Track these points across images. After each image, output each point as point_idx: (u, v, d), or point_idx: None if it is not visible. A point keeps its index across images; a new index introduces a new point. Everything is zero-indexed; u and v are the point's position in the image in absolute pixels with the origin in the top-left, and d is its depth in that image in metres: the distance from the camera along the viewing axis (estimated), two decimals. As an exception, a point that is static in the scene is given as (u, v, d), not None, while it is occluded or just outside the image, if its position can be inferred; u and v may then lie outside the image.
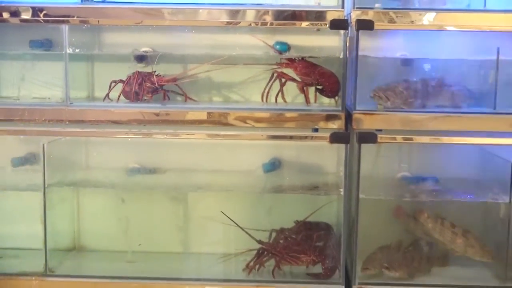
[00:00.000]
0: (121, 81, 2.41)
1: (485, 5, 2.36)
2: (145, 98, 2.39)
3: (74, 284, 2.27)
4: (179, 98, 2.46)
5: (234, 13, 2.20)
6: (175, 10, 2.20)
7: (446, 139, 2.23)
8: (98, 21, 2.22)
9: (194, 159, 2.51)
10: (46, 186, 2.32)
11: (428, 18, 2.18)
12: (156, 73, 2.42)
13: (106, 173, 2.55)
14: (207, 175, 2.53)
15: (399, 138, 2.22)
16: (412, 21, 2.18)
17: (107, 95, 2.40)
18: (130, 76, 2.39)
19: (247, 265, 2.34)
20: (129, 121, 2.23)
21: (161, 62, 2.45)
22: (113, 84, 2.41)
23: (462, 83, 2.40)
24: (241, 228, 2.35)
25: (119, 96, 2.39)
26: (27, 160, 2.48)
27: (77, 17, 2.21)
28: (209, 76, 2.49)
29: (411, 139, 2.23)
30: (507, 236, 2.27)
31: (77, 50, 2.39)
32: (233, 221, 2.36)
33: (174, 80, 2.42)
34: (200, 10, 2.20)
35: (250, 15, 2.20)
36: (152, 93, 2.38)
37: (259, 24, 2.21)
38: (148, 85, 2.39)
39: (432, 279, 2.33)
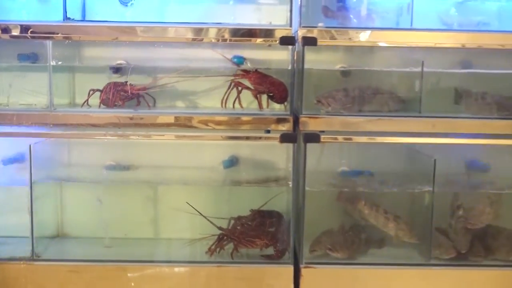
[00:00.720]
0: (98, 90, 2.50)
1: (411, 24, 2.53)
2: (118, 103, 2.48)
3: (58, 267, 2.38)
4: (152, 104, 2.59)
5: (198, 31, 2.35)
6: (147, 28, 2.34)
7: (379, 139, 2.40)
8: (79, 37, 2.34)
9: (163, 157, 2.61)
10: (32, 181, 2.41)
11: (363, 36, 2.36)
12: (129, 83, 2.51)
13: (86, 170, 2.64)
14: (175, 171, 2.63)
15: (340, 138, 2.39)
16: (350, 38, 2.36)
17: (86, 101, 2.51)
18: (106, 86, 2.50)
19: (209, 249, 2.46)
20: (105, 124, 2.36)
21: (134, 73, 2.55)
22: (91, 92, 2.52)
23: (393, 91, 2.55)
24: (204, 216, 2.48)
25: (100, 103, 2.50)
26: (16, 159, 2.53)
27: (61, 34, 2.32)
28: (176, 85, 2.58)
29: (350, 139, 2.40)
30: (431, 221, 2.46)
31: (59, 63, 2.49)
32: (197, 211, 2.48)
33: (144, 89, 2.53)
34: (169, 28, 2.35)
35: (212, 33, 2.35)
36: (125, 100, 2.49)
37: (220, 40, 2.36)
38: (122, 93, 2.50)
39: (369, 258, 2.51)
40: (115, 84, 2.52)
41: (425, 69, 2.49)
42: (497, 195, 2.56)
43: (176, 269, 2.38)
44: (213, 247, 2.46)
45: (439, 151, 2.46)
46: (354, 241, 2.55)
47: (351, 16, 2.56)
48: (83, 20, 2.56)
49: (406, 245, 2.54)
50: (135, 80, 2.53)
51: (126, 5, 2.59)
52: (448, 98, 2.59)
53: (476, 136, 2.41)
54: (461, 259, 2.47)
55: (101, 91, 2.51)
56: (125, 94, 2.50)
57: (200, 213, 2.48)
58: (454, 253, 2.47)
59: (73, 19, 2.47)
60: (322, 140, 2.35)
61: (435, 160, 2.42)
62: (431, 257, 2.46)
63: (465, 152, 2.63)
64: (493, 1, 2.65)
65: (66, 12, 2.45)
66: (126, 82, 2.52)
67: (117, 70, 2.57)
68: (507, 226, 2.58)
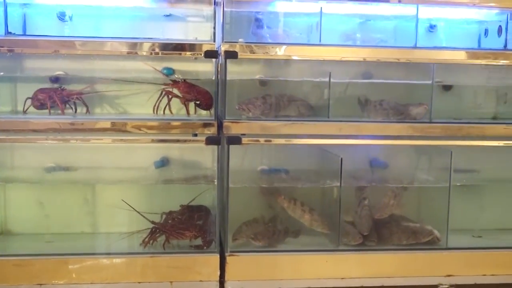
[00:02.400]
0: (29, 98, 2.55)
1: (320, 40, 2.65)
2: (54, 106, 2.52)
3: (2, 262, 2.39)
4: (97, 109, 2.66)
5: (132, 45, 2.43)
6: (85, 42, 2.41)
7: (294, 141, 2.51)
8: (21, 50, 2.40)
9: (100, 158, 2.64)
10: (-22, 182, 2.45)
11: (279, 50, 2.48)
12: (62, 88, 2.56)
13: (28, 171, 2.68)
14: (111, 171, 2.68)
15: (259, 140, 2.49)
16: (267, 52, 2.47)
17: (24, 109, 2.56)
18: (35, 92, 2.55)
19: (143, 241, 2.52)
20: (46, 129, 2.39)
21: (73, 83, 2.62)
22: (28, 101, 2.56)
23: (305, 99, 2.68)
24: (137, 212, 2.55)
25: (27, 108, 2.53)
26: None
27: (5, 47, 2.38)
28: (113, 94, 2.67)
29: (269, 141, 2.51)
30: (339, 212, 2.59)
31: (1, 73, 2.59)
32: (131, 207, 2.55)
33: (80, 94, 2.58)
34: (105, 42, 2.42)
35: (145, 47, 2.43)
36: (61, 103, 2.53)
37: (152, 53, 2.45)
38: (58, 98, 2.53)
39: (287, 246, 2.62)
40: (45, 89, 2.54)
41: (332, 80, 2.61)
42: (400, 189, 2.73)
43: (114, 260, 2.43)
44: (146, 239, 2.51)
45: (346, 151, 2.59)
46: (274, 231, 2.64)
47: (267, 35, 2.70)
48: (24, 35, 2.61)
49: (319, 234, 2.67)
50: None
51: (64, 21, 2.65)
52: (353, 104, 2.73)
53: (377, 138, 2.55)
54: (364, 245, 2.62)
55: (31, 98, 2.55)
56: (63, 98, 2.53)
57: (134, 209, 2.54)
58: (360, 240, 2.62)
59: (14, 33, 2.54)
60: (243, 142, 2.45)
61: (341, 158, 2.54)
62: (339, 244, 2.60)
63: (368, 151, 2.80)
64: (389, 21, 2.81)
65: (7, 27, 2.52)
66: (61, 87, 2.56)
67: (56, 80, 2.62)
68: (406, 215, 2.78)
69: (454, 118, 2.73)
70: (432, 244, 2.66)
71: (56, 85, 2.61)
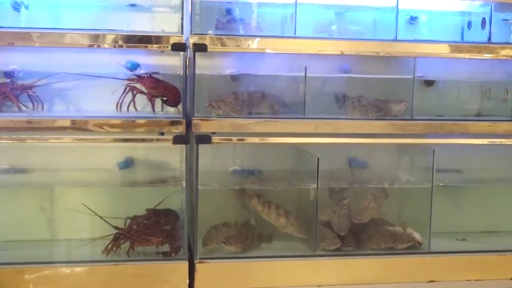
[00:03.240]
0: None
1: (295, 33, 2.57)
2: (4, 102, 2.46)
3: None
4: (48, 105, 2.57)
5: (94, 37, 2.37)
6: (42, 33, 2.34)
7: (268, 140, 2.48)
8: None
9: (59, 159, 2.59)
10: None
11: (252, 43, 2.44)
12: (13, 81, 2.50)
13: None
14: (72, 173, 2.63)
15: (230, 139, 2.45)
16: (239, 45, 2.43)
17: None
18: None
19: (106, 248, 2.48)
20: (0, 128, 2.33)
21: (30, 78, 2.53)
22: None
23: (279, 95, 2.65)
24: (99, 216, 2.50)
25: None
26: None
27: None
28: (73, 89, 2.61)
29: (240, 139, 2.47)
30: (316, 215, 2.58)
31: None
32: (93, 211, 2.49)
33: (32, 86, 2.52)
34: (65, 34, 2.36)
35: (107, 39, 2.38)
36: (16, 100, 2.48)
37: (115, 46, 2.39)
38: (10, 93, 2.48)
39: (262, 252, 2.60)
40: (2, 84, 2.49)
41: (308, 74, 2.58)
42: (380, 191, 2.72)
43: (74, 269, 2.38)
44: (109, 246, 2.47)
45: (323, 150, 2.56)
46: (247, 236, 2.62)
47: (240, 27, 2.65)
48: (-23, 26, 2.53)
49: (295, 238, 2.65)
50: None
51: (18, 11, 2.57)
52: (330, 101, 2.70)
53: (356, 136, 2.53)
54: (341, 250, 2.61)
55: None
56: (14, 92, 2.48)
57: (95, 214, 2.49)
58: (339, 244, 2.59)
59: (-35, 25, 2.44)
60: (213, 141, 2.42)
61: (318, 158, 2.52)
62: (316, 249, 2.57)
63: (347, 150, 2.80)
64: (368, 12, 2.79)
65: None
66: (12, 80, 2.51)
67: (11, 74, 2.54)
68: (387, 217, 2.77)
69: (436, 115, 2.72)
70: (413, 248, 2.65)
71: (9, 80, 2.54)
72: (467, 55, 2.58)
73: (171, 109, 2.63)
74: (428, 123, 2.58)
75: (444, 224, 2.78)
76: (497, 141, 2.63)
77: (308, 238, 2.63)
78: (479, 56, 2.59)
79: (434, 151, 2.60)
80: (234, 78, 2.68)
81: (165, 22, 2.66)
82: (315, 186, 2.57)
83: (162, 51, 2.49)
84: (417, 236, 2.68)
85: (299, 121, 2.52)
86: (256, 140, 2.49)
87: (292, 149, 2.74)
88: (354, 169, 2.82)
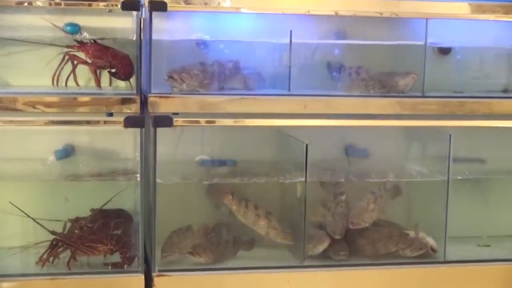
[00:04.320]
0: None
1: None
2: None
3: None
4: None
5: None
6: None
7: (244, 122, 2.51)
8: None
9: None
10: None
11: (224, 0, 2.45)
12: None
13: None
14: None
15: (197, 121, 2.47)
16: (207, 3, 2.44)
17: None
18: None
19: (40, 258, 2.48)
20: None
21: None
22: None
23: (258, 66, 2.68)
24: (32, 219, 2.51)
25: None
26: None
27: None
28: None
29: (212, 122, 2.49)
30: (304, 216, 2.58)
31: None
32: (24, 212, 2.51)
33: None
34: None
35: None
36: None
37: (52, 4, 2.42)
38: None
39: (238, 262, 2.62)
40: None
41: (293, 40, 2.59)
42: (382, 189, 2.76)
43: (1, 285, 2.37)
44: (45, 255, 2.47)
45: (313, 135, 2.57)
46: (220, 243, 2.65)
47: None
48: None
49: (279, 245, 2.68)
50: None
51: None
52: (321, 74, 2.74)
53: (353, 117, 2.56)
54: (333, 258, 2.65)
55: None
56: None
57: (27, 215, 2.50)
58: (327, 241, 2.62)
59: None
60: (175, 123, 2.42)
61: (307, 145, 2.52)
62: (305, 258, 2.59)
63: (343, 136, 2.83)
64: None
65: None
66: None
67: None
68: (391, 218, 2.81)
69: (453, 92, 2.76)
70: (425, 256, 2.67)
71: None
72: (491, 16, 2.61)
73: (121, 84, 2.65)
74: (443, 101, 2.60)
75: (464, 226, 2.81)
76: (529, 123, 2.68)
77: (295, 245, 2.65)
78: (506, 18, 2.62)
79: (450, 136, 2.62)
80: (201, 44, 2.69)
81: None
82: (303, 179, 2.58)
83: (110, 11, 2.50)
84: (430, 241, 2.71)
85: (283, 98, 2.54)
86: (229, 122, 2.51)
87: (275, 134, 2.77)
88: (352, 159, 2.86)
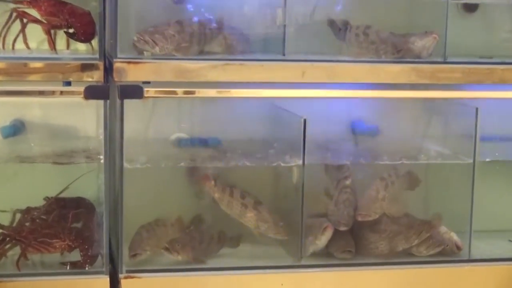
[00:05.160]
0: None
1: None
2: None
3: None
4: None
5: None
6: None
7: (230, 92, 2.55)
8: None
9: None
10: None
11: None
12: None
13: None
14: None
15: (173, 91, 2.50)
16: None
17: None
18: None
19: None
20: None
21: None
22: None
23: (247, 25, 2.70)
24: None
25: None
26: None
27: None
28: None
29: (191, 92, 2.52)
30: (301, 206, 2.60)
31: None
32: None
33: None
34: None
35: None
36: None
37: None
38: None
39: (222, 261, 2.65)
40: None
41: None
42: (393, 175, 2.77)
43: None
44: None
45: (313, 109, 2.58)
46: (202, 239, 2.67)
47: None
48: None
49: (271, 241, 2.71)
50: None
51: None
52: (323, 35, 2.76)
53: (361, 87, 2.59)
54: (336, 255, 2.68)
55: None
56: None
57: None
58: (331, 229, 2.64)
59: None
60: (146, 94, 2.43)
61: (304, 120, 2.54)
62: (302, 256, 2.62)
63: (348, 109, 2.84)
64: None
65: None
66: None
67: None
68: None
69: (480, 57, 2.78)
70: (447, 254, 2.71)
71: None
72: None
73: (81, 47, 2.66)
74: (468, 68, 2.61)
75: (492, 218, 2.86)
76: None
77: (290, 240, 2.67)
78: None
79: (477, 109, 2.64)
80: (177, -1, 2.64)
81: None
82: (300, 162, 2.60)
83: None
84: (454, 236, 2.74)
85: (277, 64, 2.54)
86: (212, 93, 2.52)
87: (266, 108, 2.78)
88: (360, 138, 2.87)
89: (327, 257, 2.66)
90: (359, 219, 2.72)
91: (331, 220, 2.70)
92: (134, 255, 2.56)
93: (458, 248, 2.70)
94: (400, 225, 2.75)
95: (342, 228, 2.67)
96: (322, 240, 2.63)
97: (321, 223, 2.68)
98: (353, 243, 2.70)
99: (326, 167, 2.81)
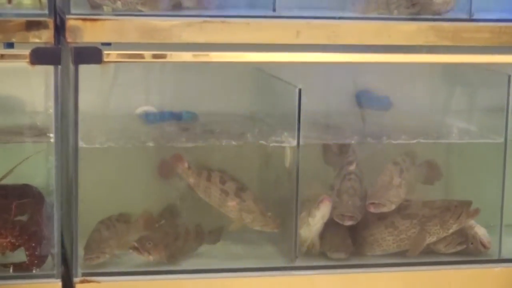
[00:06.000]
0: None
1: None
2: None
3: None
4: None
5: None
6: None
7: (212, 56, 2.51)
8: None
9: None
10: None
11: None
12: None
13: None
14: None
15: (140, 54, 2.47)
16: None
17: None
18: None
19: None
20: None
21: None
22: None
23: None
24: None
25: None
26: None
27: None
28: None
29: (161, 56, 2.49)
30: (295, 193, 2.61)
31: None
32: None
33: None
34: None
35: None
36: None
37: None
38: None
39: (200, 261, 2.66)
40: None
41: None
42: (408, 161, 2.78)
43: None
44: None
45: (310, 77, 2.59)
46: (178, 235, 2.67)
47: None
48: None
49: (259, 236, 2.74)
50: None
51: None
52: None
53: (368, 50, 2.58)
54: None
55: None
56: None
57: None
58: (328, 201, 2.63)
59: None
60: (106, 59, 2.41)
61: (300, 90, 2.53)
62: (296, 255, 2.62)
63: (353, 77, 2.84)
64: None
65: None
66: None
67: None
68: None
69: None
70: (472, 253, 2.74)
71: None
72: None
73: (26, 0, 2.62)
74: (499, 26, 2.61)
75: None
76: None
77: (282, 237, 2.69)
78: None
79: (510, 77, 2.66)
80: None
81: None
82: (294, 141, 2.60)
83: None
84: (480, 232, 2.75)
85: (266, 22, 2.53)
86: (186, 57, 2.51)
87: (253, 75, 2.80)
88: (367, 112, 2.87)
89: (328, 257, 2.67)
90: (372, 210, 2.73)
91: (334, 214, 2.71)
92: (91, 258, 2.55)
93: (485, 246, 2.70)
94: (432, 208, 2.76)
95: (348, 223, 2.69)
96: (317, 217, 2.64)
97: (318, 197, 2.67)
98: (349, 241, 2.72)
99: (326, 149, 2.80)
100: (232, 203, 2.69)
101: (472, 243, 2.73)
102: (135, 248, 2.59)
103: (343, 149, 2.81)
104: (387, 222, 2.74)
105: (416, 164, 2.84)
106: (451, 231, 2.72)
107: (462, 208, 2.72)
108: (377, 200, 2.74)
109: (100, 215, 2.69)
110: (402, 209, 2.77)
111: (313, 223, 2.62)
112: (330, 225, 2.71)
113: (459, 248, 2.71)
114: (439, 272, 2.67)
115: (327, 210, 2.63)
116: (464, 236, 2.73)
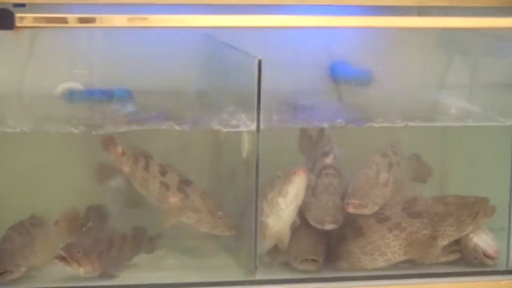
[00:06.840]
0: None
1: None
2: None
3: None
4: None
5: None
6: None
7: (152, 21, 2.47)
8: None
9: None
10: None
11: None
12: None
13: None
14: None
15: (69, 19, 2.41)
16: None
17: None
18: None
19: None
20: None
21: None
22: None
23: None
24: None
25: None
26: None
27: None
28: None
29: (90, 21, 2.44)
30: (255, 192, 2.57)
31: None
32: None
33: None
34: None
35: None
36: None
37: None
38: None
39: (138, 275, 2.66)
40: None
41: None
42: (399, 152, 2.83)
43: None
44: None
45: (271, 45, 2.62)
46: (113, 241, 2.66)
47: None
48: None
49: (211, 242, 2.80)
50: None
51: None
52: None
53: (345, 12, 2.56)
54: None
55: None
56: None
57: None
58: (303, 173, 2.65)
59: None
60: (19, 24, 2.36)
61: (260, 61, 2.51)
62: (257, 266, 2.62)
63: (326, 46, 2.82)
64: None
65: None
66: None
67: None
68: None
69: None
70: (475, 264, 2.77)
71: None
72: None
73: None
74: None
75: None
76: None
77: (238, 242, 2.73)
78: None
79: None
80: None
81: None
82: (253, 125, 2.59)
83: None
84: (481, 243, 2.77)
85: None
86: (120, 21, 2.48)
87: (202, 43, 2.82)
88: (344, 88, 2.86)
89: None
90: (350, 210, 2.73)
91: (310, 217, 2.72)
92: (1, 274, 2.52)
93: (491, 257, 2.70)
94: (447, 204, 2.79)
95: (329, 227, 2.69)
96: (290, 195, 2.63)
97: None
98: (320, 248, 2.71)
99: (303, 135, 2.81)
100: (173, 199, 2.68)
101: (476, 258, 2.71)
102: (62, 258, 2.55)
103: (318, 136, 2.79)
104: (391, 224, 2.70)
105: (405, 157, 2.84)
106: (464, 233, 2.70)
107: (480, 205, 2.73)
108: (357, 200, 2.71)
109: (11, 219, 2.63)
110: (407, 206, 2.78)
111: (284, 205, 2.61)
112: (298, 228, 2.67)
113: (451, 258, 2.71)
114: (434, 286, 2.67)
115: (303, 184, 2.62)
116: (457, 242, 2.73)
